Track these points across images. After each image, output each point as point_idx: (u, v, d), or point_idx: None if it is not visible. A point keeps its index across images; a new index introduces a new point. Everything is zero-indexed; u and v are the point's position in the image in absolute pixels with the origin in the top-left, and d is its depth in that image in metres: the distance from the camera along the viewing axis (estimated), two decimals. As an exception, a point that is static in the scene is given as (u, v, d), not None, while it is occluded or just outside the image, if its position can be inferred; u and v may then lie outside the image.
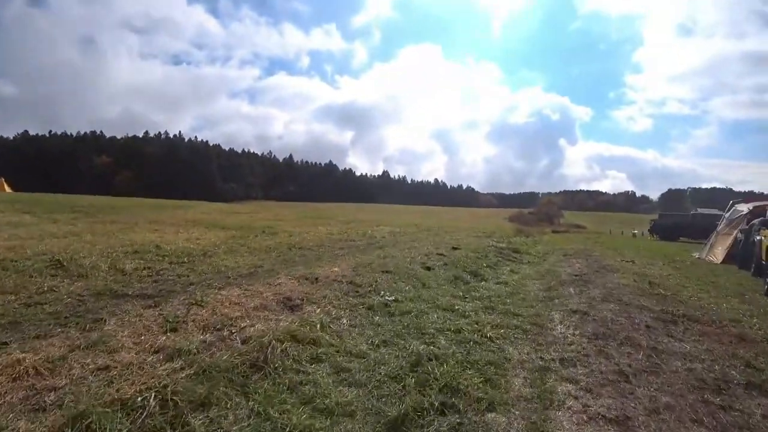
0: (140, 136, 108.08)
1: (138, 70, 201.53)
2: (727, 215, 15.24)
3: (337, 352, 3.93)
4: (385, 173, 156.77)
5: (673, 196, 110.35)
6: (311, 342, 4.08)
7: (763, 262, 10.07)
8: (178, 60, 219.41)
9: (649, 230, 29.77)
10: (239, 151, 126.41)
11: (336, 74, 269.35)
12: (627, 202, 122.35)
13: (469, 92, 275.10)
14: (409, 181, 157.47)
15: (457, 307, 5.61)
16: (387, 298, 5.77)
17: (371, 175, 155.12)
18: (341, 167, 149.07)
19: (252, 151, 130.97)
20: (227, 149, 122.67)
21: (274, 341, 3.86)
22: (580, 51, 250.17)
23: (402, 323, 4.81)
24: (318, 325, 4.52)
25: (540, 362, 3.90)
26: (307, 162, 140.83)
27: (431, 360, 3.66)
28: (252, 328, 4.45)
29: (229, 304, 5.28)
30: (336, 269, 7.56)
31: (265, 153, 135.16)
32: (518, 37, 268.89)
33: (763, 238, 10.58)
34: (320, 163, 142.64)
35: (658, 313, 5.89)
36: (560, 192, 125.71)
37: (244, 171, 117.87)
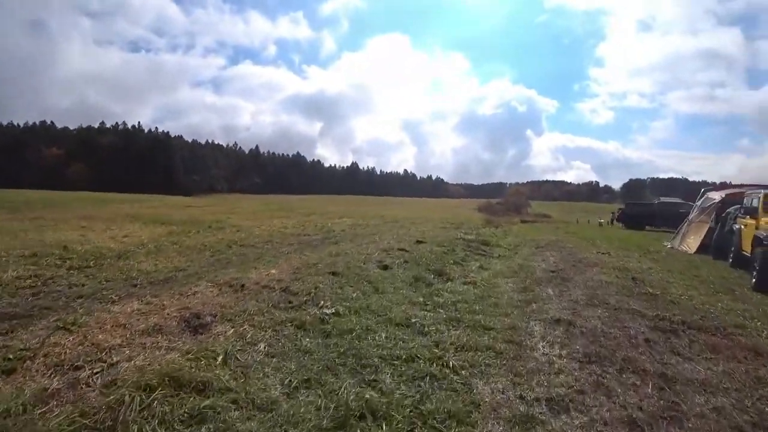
0: (95, 126, 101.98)
1: (93, 57, 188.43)
2: (698, 203, 14.76)
3: (234, 402, 2.71)
4: (354, 164, 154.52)
5: (634, 186, 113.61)
6: (198, 387, 2.84)
7: (744, 253, 9.45)
8: (137, 47, 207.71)
9: (616, 219, 29.81)
10: (203, 142, 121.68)
11: (303, 64, 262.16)
12: (591, 192, 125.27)
13: (437, 83, 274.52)
14: (378, 173, 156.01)
15: (414, 320, 4.47)
16: (326, 310, 4.57)
17: (340, 166, 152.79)
18: (309, 158, 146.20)
19: (216, 143, 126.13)
20: (190, 140, 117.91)
21: (131, 392, 2.62)
22: (547, 44, 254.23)
23: (338, 348, 3.62)
24: (220, 357, 3.29)
25: (520, 407, 2.80)
26: (274, 153, 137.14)
27: (364, 417, 2.51)
28: (127, 365, 3.19)
29: (112, 326, 3.97)
30: (273, 272, 6.31)
31: (230, 144, 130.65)
32: (486, 29, 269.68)
33: (742, 227, 9.97)
34: (288, 155, 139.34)
35: (653, 319, 4.94)
36: (527, 182, 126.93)
37: (208, 163, 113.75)
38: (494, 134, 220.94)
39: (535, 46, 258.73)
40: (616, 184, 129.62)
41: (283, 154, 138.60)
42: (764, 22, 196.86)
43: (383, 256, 7.80)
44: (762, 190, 9.40)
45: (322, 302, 4.86)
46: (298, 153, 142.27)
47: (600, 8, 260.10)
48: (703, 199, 14.67)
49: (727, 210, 12.04)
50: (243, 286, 5.40)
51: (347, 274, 6.16)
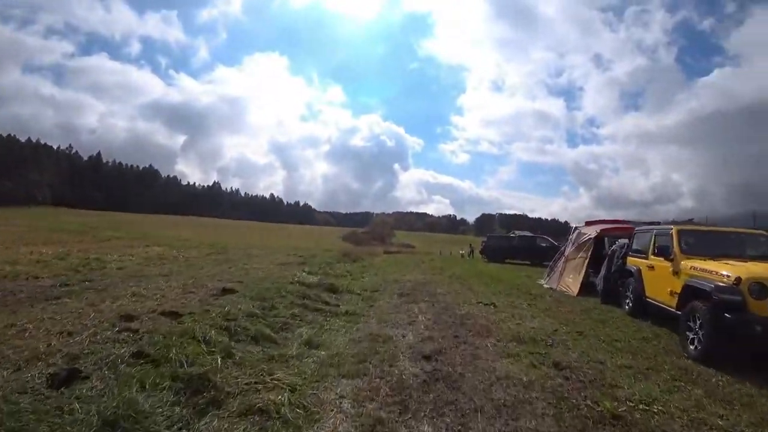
0: None
1: None
2: (572, 238, 13.41)
3: None
4: (216, 184, 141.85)
5: (485, 220, 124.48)
6: None
7: (652, 301, 7.52)
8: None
9: (480, 251, 29.57)
10: (23, 140, 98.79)
11: (172, 69, 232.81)
12: (449, 224, 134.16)
13: (312, 110, 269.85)
14: (243, 195, 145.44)
15: None
16: None
17: (200, 185, 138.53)
18: (166, 174, 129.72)
19: (44, 143, 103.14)
20: (4, 135, 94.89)
21: None
22: (417, 88, 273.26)
23: None
24: None
25: None
26: (120, 164, 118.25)
27: None
28: None
29: None
30: None
31: (64, 147, 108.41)
32: (363, 66, 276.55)
33: (642, 268, 8.14)
34: (138, 167, 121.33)
35: None
36: (393, 212, 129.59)
37: (29, 167, 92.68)
38: (364, 165, 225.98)
39: (407, 88, 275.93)
40: (471, 218, 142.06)
41: (132, 165, 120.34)
42: (579, 98, 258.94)
43: (109, 335, 3.69)
44: (672, 226, 7.60)
45: None
46: (151, 166, 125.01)
47: (462, 65, 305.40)
48: (576, 234, 13.37)
49: (612, 248, 10.49)
50: None
51: None
